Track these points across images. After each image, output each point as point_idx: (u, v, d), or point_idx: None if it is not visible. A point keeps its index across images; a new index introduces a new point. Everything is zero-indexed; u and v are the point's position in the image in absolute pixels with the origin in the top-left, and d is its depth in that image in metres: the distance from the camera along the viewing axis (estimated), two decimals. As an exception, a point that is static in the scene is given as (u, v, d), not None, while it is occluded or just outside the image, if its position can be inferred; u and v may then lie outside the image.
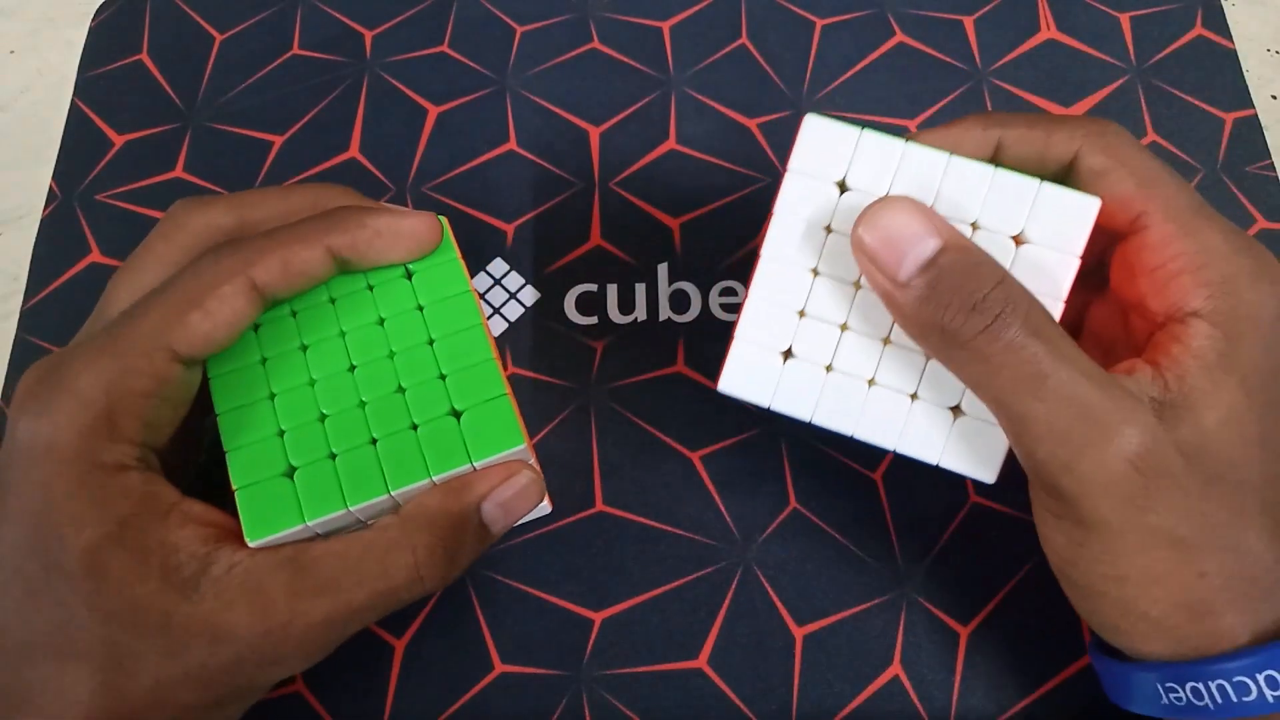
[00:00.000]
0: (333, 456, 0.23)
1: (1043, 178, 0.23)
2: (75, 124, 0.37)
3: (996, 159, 0.24)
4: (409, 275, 0.25)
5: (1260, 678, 0.20)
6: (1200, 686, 0.21)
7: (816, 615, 0.29)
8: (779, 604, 0.29)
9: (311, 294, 0.24)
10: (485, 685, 0.28)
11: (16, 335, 0.33)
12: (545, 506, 0.28)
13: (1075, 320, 0.27)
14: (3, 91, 0.39)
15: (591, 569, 0.29)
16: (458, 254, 0.25)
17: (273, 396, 0.23)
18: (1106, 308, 0.26)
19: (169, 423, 0.23)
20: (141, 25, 0.38)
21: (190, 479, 0.26)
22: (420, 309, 0.24)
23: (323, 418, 0.23)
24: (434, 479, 0.22)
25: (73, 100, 0.37)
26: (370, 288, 0.25)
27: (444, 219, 0.25)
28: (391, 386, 0.23)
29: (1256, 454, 0.21)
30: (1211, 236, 0.22)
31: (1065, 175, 0.24)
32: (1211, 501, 0.21)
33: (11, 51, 0.40)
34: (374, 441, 0.23)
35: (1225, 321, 0.21)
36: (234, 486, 0.22)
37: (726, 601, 0.29)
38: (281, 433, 0.23)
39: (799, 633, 0.29)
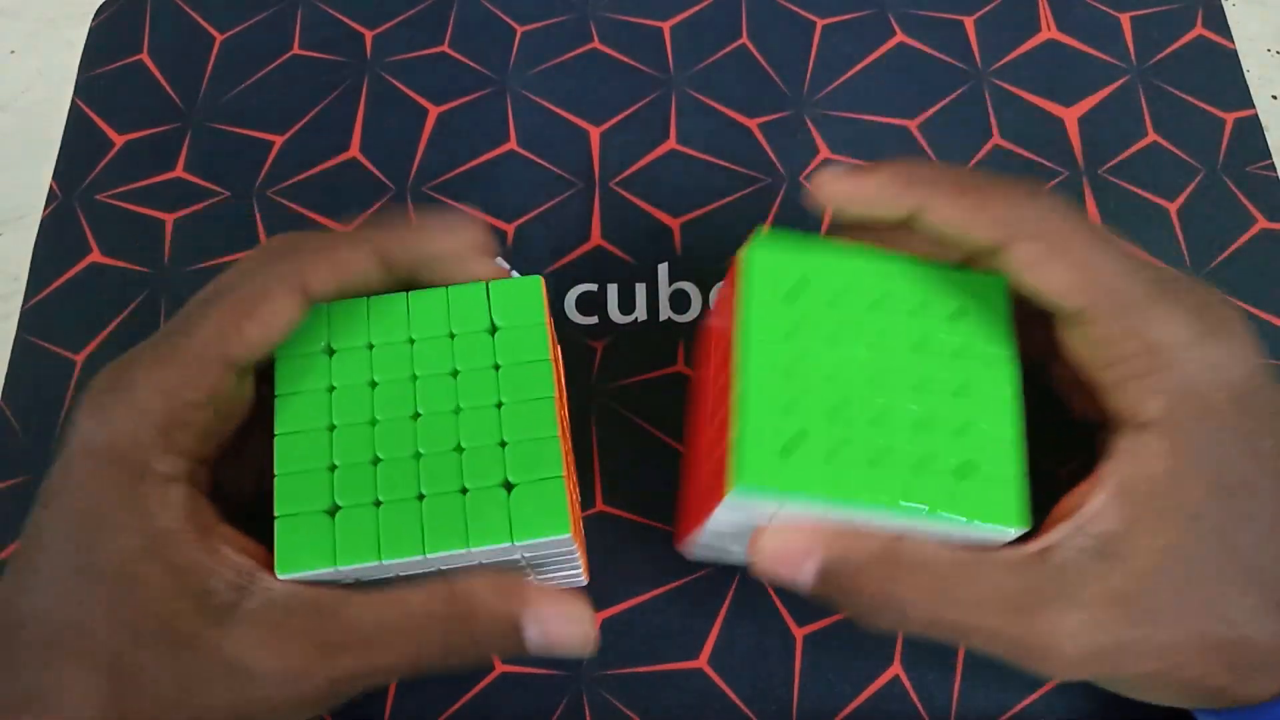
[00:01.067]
0: (378, 504, 0.22)
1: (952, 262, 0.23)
2: (75, 124, 0.37)
3: (910, 222, 0.22)
4: (493, 330, 0.24)
5: None
6: None
7: (817, 615, 0.29)
8: (779, 604, 0.29)
9: (393, 329, 0.23)
10: (485, 685, 0.28)
11: (16, 335, 0.33)
12: (582, 579, 0.28)
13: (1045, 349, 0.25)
14: (3, 91, 0.39)
15: (592, 569, 0.29)
16: (547, 319, 0.24)
17: (332, 428, 0.23)
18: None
19: (218, 435, 0.23)
20: (142, 25, 0.38)
21: (236, 508, 0.26)
22: (496, 368, 0.23)
23: (376, 461, 0.22)
24: (470, 549, 0.22)
25: (73, 100, 0.37)
26: (452, 336, 0.23)
27: (541, 279, 0.24)
28: (451, 443, 0.22)
29: (1218, 558, 0.21)
30: (1166, 331, 0.21)
31: (994, 256, 0.22)
32: (1175, 621, 0.21)
33: (12, 51, 0.40)
34: (421, 497, 0.22)
35: (1182, 429, 0.21)
36: (275, 514, 0.22)
37: (726, 601, 0.29)
38: (333, 468, 0.22)
39: (799, 633, 0.29)
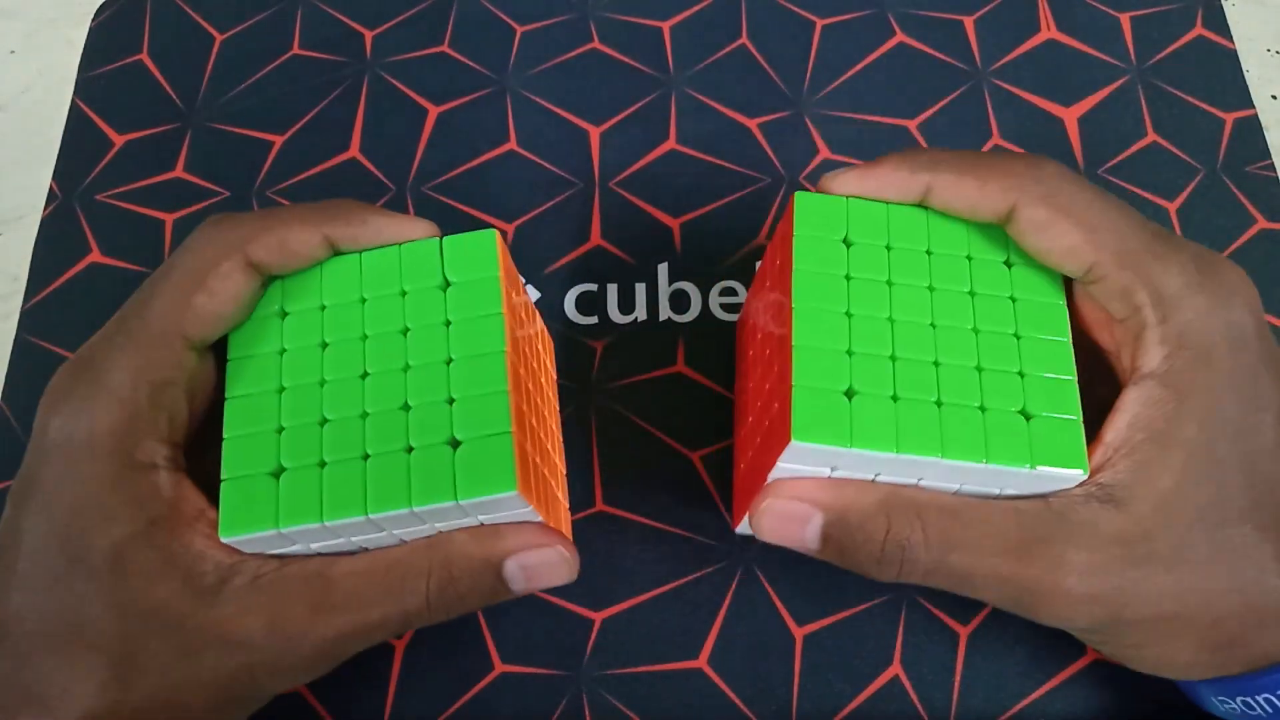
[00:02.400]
0: (323, 465, 0.22)
1: (973, 224, 0.23)
2: (75, 124, 0.37)
3: (925, 204, 0.23)
4: (445, 286, 0.23)
5: None
6: (1250, 700, 0.22)
7: (816, 615, 0.29)
8: (779, 604, 0.29)
9: (344, 289, 0.23)
10: (485, 685, 0.28)
11: (16, 335, 0.33)
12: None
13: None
14: (3, 91, 0.39)
15: (591, 569, 0.29)
16: (500, 272, 0.23)
17: (281, 390, 0.22)
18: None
19: (185, 415, 0.23)
20: (142, 25, 0.38)
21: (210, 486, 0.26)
22: (447, 324, 0.23)
23: (323, 422, 0.22)
24: (414, 510, 0.21)
25: (73, 100, 0.37)
26: (404, 293, 0.23)
27: (496, 233, 0.23)
28: (398, 402, 0.22)
29: (1225, 497, 0.21)
30: (1168, 279, 0.21)
31: (1003, 224, 0.23)
32: (1186, 562, 0.21)
33: (12, 51, 0.40)
34: (366, 457, 0.22)
35: (1180, 376, 0.21)
36: (222, 476, 0.22)
37: (726, 601, 0.29)
38: (280, 430, 0.22)
39: (799, 633, 0.29)
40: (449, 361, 0.22)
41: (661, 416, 0.31)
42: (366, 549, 0.23)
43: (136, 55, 0.38)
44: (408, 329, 0.23)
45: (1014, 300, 0.23)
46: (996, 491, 0.22)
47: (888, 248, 0.23)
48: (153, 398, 0.22)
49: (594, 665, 0.28)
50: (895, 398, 0.21)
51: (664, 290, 0.33)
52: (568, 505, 0.29)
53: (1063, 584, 0.21)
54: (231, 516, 0.21)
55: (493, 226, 0.34)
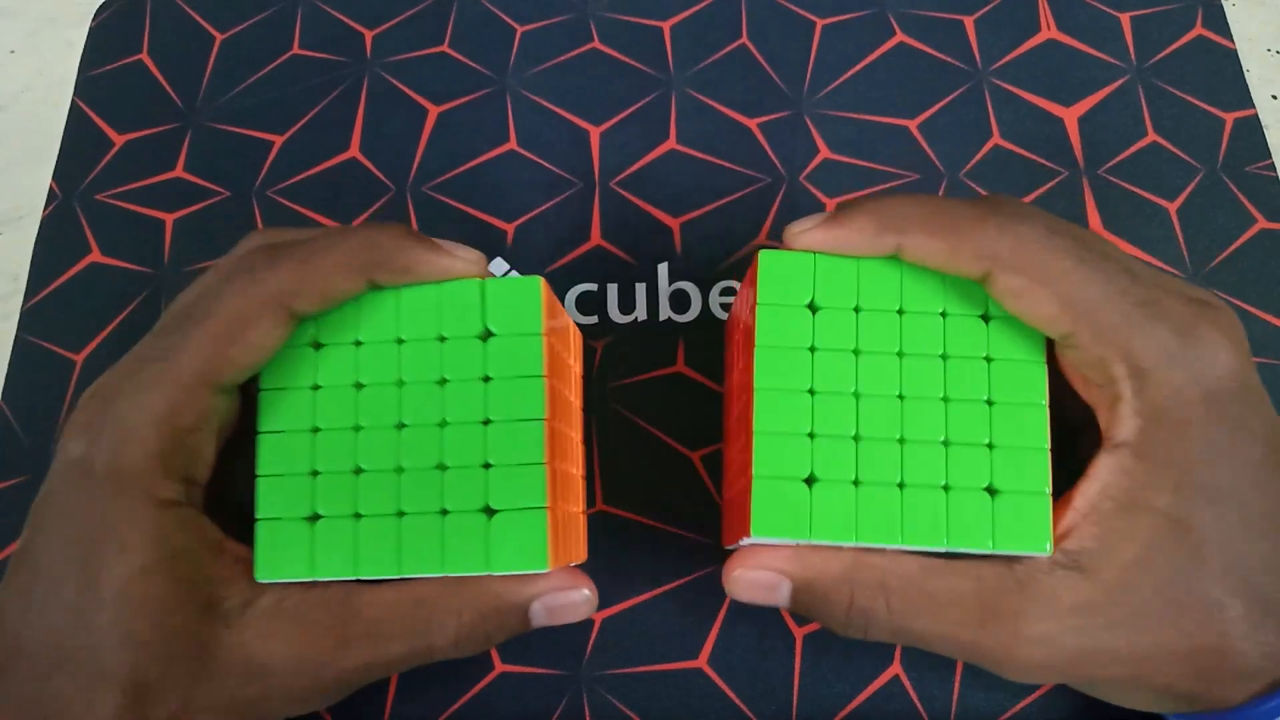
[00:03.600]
0: (358, 517, 0.22)
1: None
2: (75, 124, 0.37)
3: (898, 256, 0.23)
4: (486, 336, 0.22)
5: None
6: None
7: (816, 615, 0.29)
8: (779, 604, 0.29)
9: (381, 326, 0.22)
10: (485, 685, 0.28)
11: (17, 335, 0.33)
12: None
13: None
14: (3, 91, 0.39)
15: (591, 569, 0.29)
16: (542, 328, 0.22)
17: (315, 431, 0.22)
18: None
19: (210, 455, 0.23)
20: (142, 25, 0.38)
21: (233, 514, 0.26)
22: (486, 380, 0.22)
23: (358, 471, 0.22)
24: (448, 574, 0.21)
25: (73, 100, 0.37)
26: (442, 339, 0.22)
27: (541, 281, 0.22)
28: (434, 460, 0.21)
29: (1192, 564, 0.21)
30: (1146, 352, 0.21)
31: (979, 284, 0.22)
32: (1142, 631, 0.21)
33: (12, 51, 0.40)
34: (401, 514, 0.21)
35: (1154, 448, 0.21)
36: (256, 516, 0.22)
37: (726, 601, 0.29)
38: (315, 474, 0.22)
39: (799, 633, 0.29)
40: (486, 423, 0.22)
41: (661, 416, 0.31)
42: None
43: (136, 55, 0.38)
44: (445, 380, 0.22)
45: (989, 360, 0.22)
46: (962, 553, 0.22)
47: (856, 310, 0.22)
48: (175, 441, 0.22)
49: (594, 665, 0.28)
50: (857, 482, 0.21)
51: (664, 290, 0.33)
52: (583, 510, 0.29)
53: (1019, 652, 0.21)
54: (268, 559, 0.22)
55: (490, 224, 0.34)
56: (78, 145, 0.36)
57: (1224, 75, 0.37)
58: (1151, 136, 0.36)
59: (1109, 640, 0.21)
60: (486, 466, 0.21)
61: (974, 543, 0.21)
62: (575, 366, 0.29)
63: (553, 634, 0.29)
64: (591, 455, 0.31)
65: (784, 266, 0.22)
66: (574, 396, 0.27)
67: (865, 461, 0.21)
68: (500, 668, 0.28)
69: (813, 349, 0.22)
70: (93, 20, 0.39)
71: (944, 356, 0.22)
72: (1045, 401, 0.22)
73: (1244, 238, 0.34)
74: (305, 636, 0.22)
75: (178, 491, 0.22)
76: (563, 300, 0.33)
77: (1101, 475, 0.22)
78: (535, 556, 0.21)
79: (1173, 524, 0.21)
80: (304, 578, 0.22)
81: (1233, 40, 0.37)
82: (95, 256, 0.34)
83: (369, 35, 0.38)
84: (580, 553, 0.27)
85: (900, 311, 0.22)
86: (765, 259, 0.22)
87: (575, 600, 0.23)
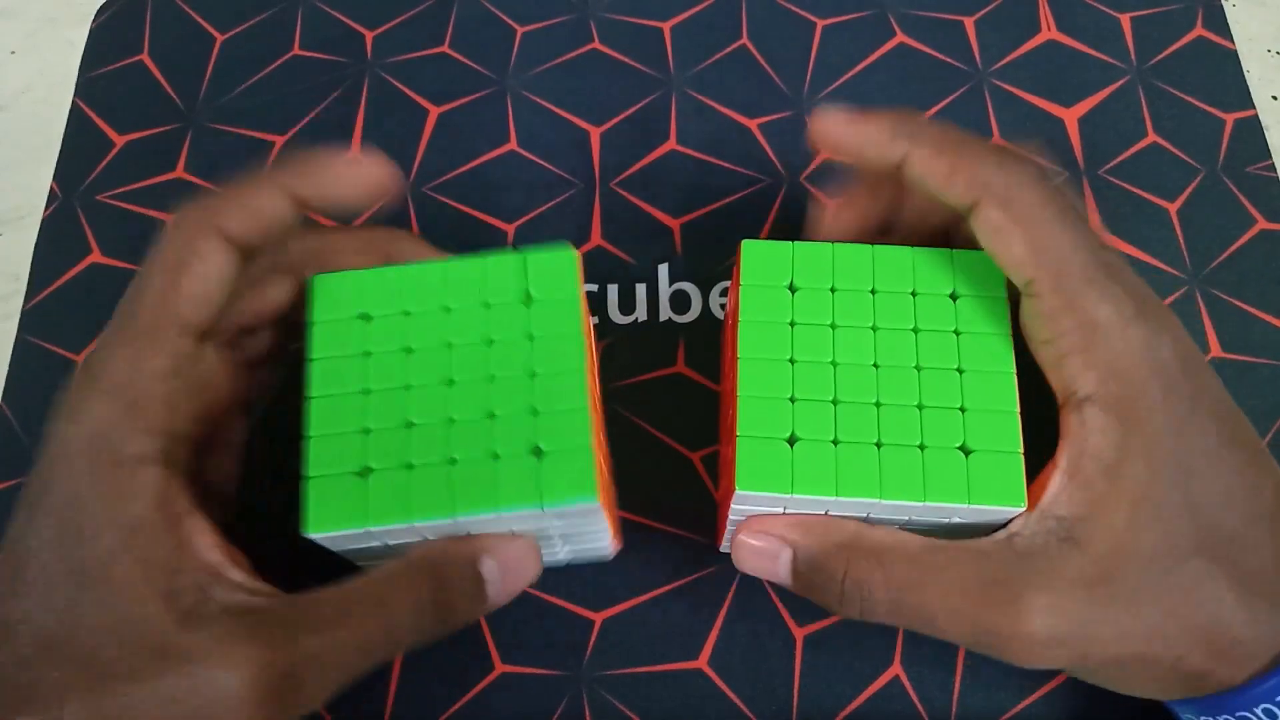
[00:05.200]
0: (410, 467, 0.22)
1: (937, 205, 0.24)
2: (76, 124, 0.37)
3: (900, 171, 0.24)
4: (528, 301, 0.24)
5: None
6: (1247, 714, 0.22)
7: (817, 615, 0.29)
8: (779, 604, 0.29)
9: (428, 297, 0.24)
10: (485, 685, 0.28)
11: (17, 335, 0.33)
12: (610, 550, 0.28)
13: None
14: (3, 91, 0.39)
15: (591, 569, 0.29)
16: (580, 293, 0.24)
17: (366, 393, 0.23)
18: None
19: (193, 409, 0.23)
20: (142, 25, 0.38)
21: (229, 489, 0.26)
22: (530, 338, 0.23)
23: (409, 425, 0.23)
24: (501, 513, 0.22)
25: (73, 100, 0.37)
26: (487, 305, 0.24)
27: (576, 253, 0.24)
28: (484, 410, 0.23)
29: (1173, 535, 0.21)
30: (1100, 308, 0.21)
31: (964, 214, 0.23)
32: (1146, 602, 0.21)
33: (12, 52, 0.40)
34: (453, 461, 0.22)
35: (1118, 405, 0.21)
36: (306, 474, 0.22)
37: (726, 601, 0.29)
38: (366, 431, 0.23)
39: (799, 633, 0.29)
40: (532, 375, 0.23)
41: (661, 416, 0.31)
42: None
43: (137, 55, 0.38)
44: (491, 340, 0.23)
45: (958, 334, 0.23)
46: (947, 521, 0.23)
47: (832, 290, 0.24)
48: (144, 388, 0.22)
49: (594, 665, 0.28)
50: (836, 441, 0.22)
51: (664, 290, 0.33)
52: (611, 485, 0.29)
53: (1025, 627, 0.21)
54: (318, 514, 0.22)
55: (490, 224, 0.34)
56: (78, 146, 0.36)
57: (1224, 76, 0.37)
58: (1152, 137, 0.36)
59: (1113, 615, 0.21)
60: (534, 413, 0.23)
61: (951, 497, 0.22)
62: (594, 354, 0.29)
63: (553, 634, 0.29)
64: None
65: (765, 253, 0.24)
66: (594, 380, 0.28)
67: (844, 423, 0.23)
68: (500, 668, 0.28)
69: (792, 324, 0.24)
70: (93, 21, 0.39)
71: (915, 330, 0.23)
72: (1013, 370, 0.23)
73: (1244, 238, 0.34)
74: (253, 644, 0.21)
75: (150, 446, 0.22)
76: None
77: (1076, 433, 0.22)
78: (585, 488, 0.22)
79: (1148, 496, 0.21)
80: (356, 528, 0.22)
81: (1233, 41, 0.37)
82: (96, 257, 0.34)
83: (369, 36, 0.38)
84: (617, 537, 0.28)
85: (873, 291, 0.24)
86: (747, 247, 0.24)
87: (521, 550, 0.23)
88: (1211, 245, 0.34)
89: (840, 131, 0.24)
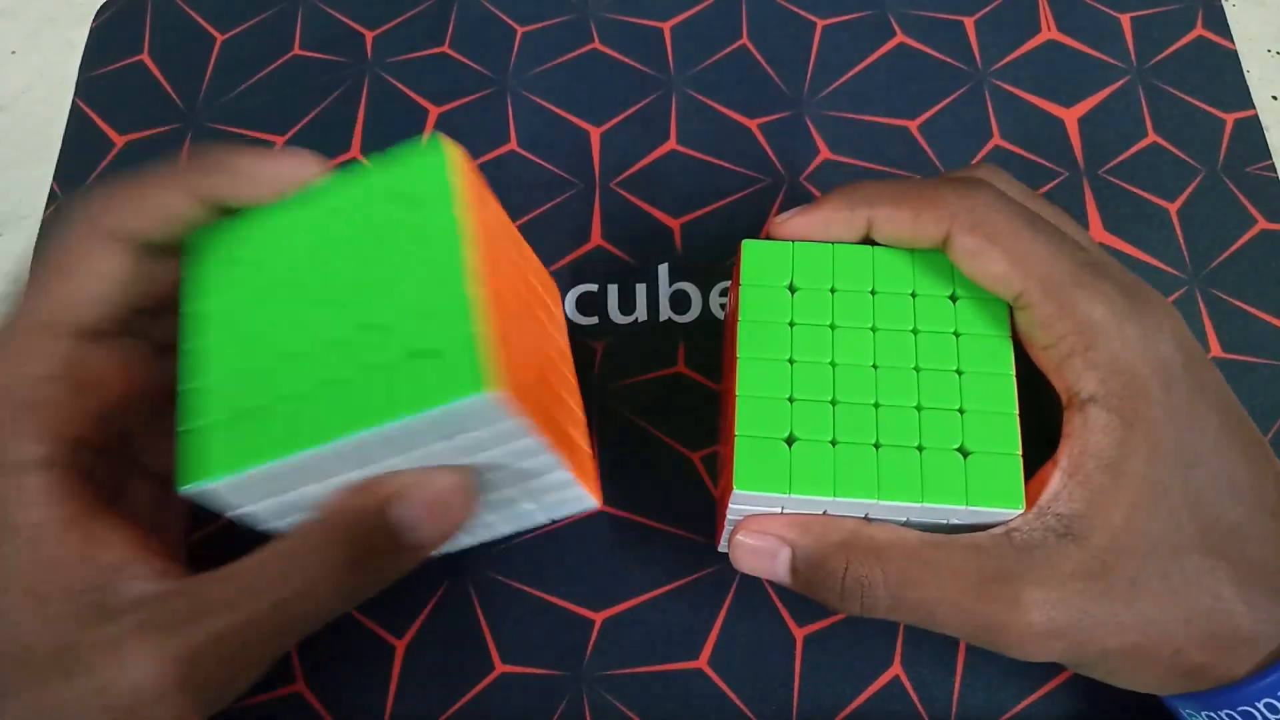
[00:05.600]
0: (835, 443, 0.22)
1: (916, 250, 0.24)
2: (76, 124, 0.37)
3: (870, 238, 0.24)
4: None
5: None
6: (1214, 715, 0.22)
7: (817, 615, 0.29)
8: (779, 604, 0.29)
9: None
10: (485, 685, 0.28)
11: (17, 335, 0.33)
12: (593, 502, 0.26)
13: None
14: (3, 91, 0.39)
15: (591, 569, 0.29)
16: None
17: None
18: None
19: (83, 408, 0.22)
20: (142, 26, 0.38)
21: (155, 479, 0.25)
22: (956, 335, 0.23)
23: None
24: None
25: (74, 100, 0.37)
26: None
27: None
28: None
29: (1174, 528, 0.21)
30: (1093, 308, 0.22)
31: (943, 250, 0.24)
32: (1145, 595, 0.21)
33: (13, 52, 0.40)
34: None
35: (1120, 403, 0.21)
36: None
37: (726, 601, 0.29)
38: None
39: (799, 633, 0.29)
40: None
41: (661, 416, 0.31)
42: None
43: (137, 56, 0.38)
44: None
45: (957, 335, 0.23)
46: (945, 522, 0.23)
47: (832, 290, 0.24)
48: (28, 392, 0.21)
49: (594, 665, 0.28)
50: (835, 442, 0.22)
51: (664, 290, 0.33)
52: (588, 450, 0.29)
53: (1024, 619, 0.21)
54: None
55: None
56: (78, 146, 0.36)
57: (1224, 76, 0.37)
58: (1152, 137, 0.36)
59: (1111, 607, 0.21)
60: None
61: (948, 498, 0.22)
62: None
63: (553, 634, 0.29)
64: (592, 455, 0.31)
65: (765, 254, 0.24)
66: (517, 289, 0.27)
67: (842, 423, 0.23)
68: (500, 668, 0.28)
69: (792, 324, 0.24)
70: (93, 21, 0.39)
71: (914, 331, 0.24)
72: (1012, 372, 0.23)
73: (1244, 238, 0.34)
74: (158, 632, 0.20)
75: (37, 452, 0.21)
76: (563, 301, 0.33)
77: (1079, 432, 0.22)
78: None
79: (1150, 488, 0.21)
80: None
81: (1233, 41, 0.37)
82: (96, 257, 0.34)
83: (369, 36, 0.38)
84: None
85: (873, 292, 0.24)
86: (747, 247, 0.24)
87: (442, 483, 0.21)
88: (1211, 245, 0.34)
89: (802, 227, 0.24)
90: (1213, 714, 0.22)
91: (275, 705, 0.28)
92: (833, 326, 0.24)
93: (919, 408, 0.23)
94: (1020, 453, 0.22)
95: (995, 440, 0.22)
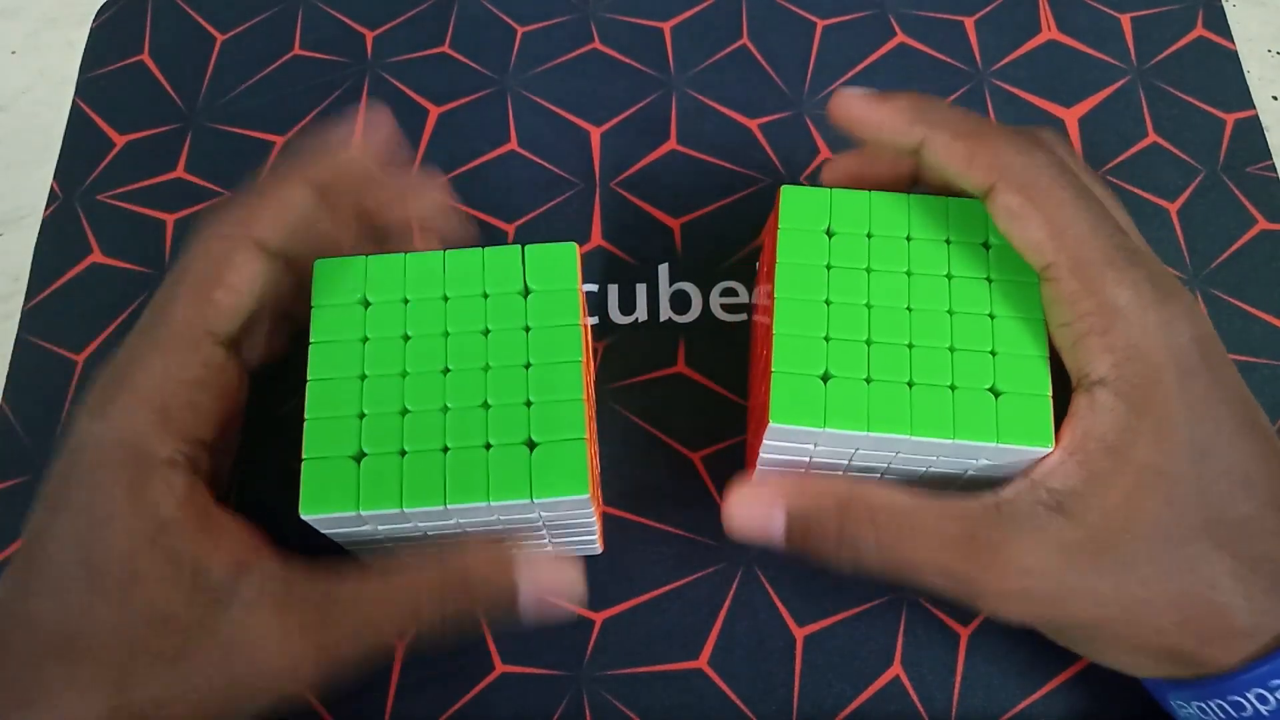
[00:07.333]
0: (403, 453, 0.22)
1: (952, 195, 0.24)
2: (76, 124, 0.37)
3: (916, 154, 0.24)
4: (526, 293, 0.24)
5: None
6: (1204, 705, 0.22)
7: (817, 615, 0.29)
8: (779, 604, 0.29)
9: (428, 285, 0.24)
10: (486, 685, 0.28)
11: (17, 335, 0.33)
12: (599, 549, 0.28)
13: None
14: (4, 91, 0.39)
15: (592, 569, 0.29)
16: (579, 285, 0.24)
17: (364, 378, 0.23)
18: None
19: (214, 413, 0.23)
20: (143, 26, 0.38)
21: (225, 488, 0.26)
22: (526, 330, 0.24)
23: (404, 412, 0.23)
24: (491, 503, 0.22)
25: (74, 100, 0.37)
26: (485, 295, 0.24)
27: (576, 246, 0.25)
28: (478, 399, 0.23)
29: (1176, 516, 0.21)
30: (1120, 292, 0.21)
31: (983, 199, 0.23)
32: (1133, 575, 0.21)
33: (13, 52, 0.40)
34: (445, 450, 0.22)
35: (1132, 389, 0.21)
36: (303, 456, 0.22)
37: (726, 601, 0.29)
38: (362, 415, 0.23)
39: (799, 633, 0.29)
40: (527, 366, 0.23)
41: (661, 416, 0.31)
42: (427, 534, 0.24)
43: (137, 55, 0.38)
44: (488, 330, 0.24)
45: (990, 281, 0.24)
46: (971, 462, 0.23)
47: (869, 236, 0.24)
48: (176, 396, 0.22)
49: (594, 665, 0.28)
50: (869, 380, 0.23)
51: (664, 290, 0.33)
52: (599, 480, 0.30)
53: (1000, 579, 0.22)
54: (313, 495, 0.22)
55: (490, 224, 0.34)
56: (79, 146, 0.36)
57: (1224, 76, 0.37)
58: (1152, 137, 0.36)
59: (1094, 580, 0.21)
60: (528, 404, 0.23)
61: (980, 435, 0.22)
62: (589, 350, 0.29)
63: (553, 634, 0.29)
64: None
65: (803, 200, 0.25)
66: (589, 376, 0.28)
67: (876, 362, 0.23)
68: (501, 668, 0.28)
69: (829, 266, 0.24)
70: (94, 21, 0.39)
71: (949, 276, 0.24)
72: (1042, 317, 0.23)
73: (1244, 238, 0.34)
74: (289, 622, 0.22)
75: (179, 451, 0.22)
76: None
77: (1084, 413, 0.22)
78: (576, 483, 0.22)
79: (1156, 475, 0.21)
80: (349, 511, 0.22)
81: (1233, 41, 0.37)
82: (96, 257, 0.34)
83: (370, 36, 0.38)
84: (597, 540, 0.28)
85: (908, 238, 0.24)
86: (787, 192, 0.25)
87: (565, 578, 0.23)
88: (1211, 245, 0.34)
89: (860, 112, 0.24)
90: (1203, 704, 0.22)
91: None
92: (868, 270, 0.24)
93: (952, 349, 0.23)
94: (1050, 394, 0.22)
95: (1026, 381, 0.23)
